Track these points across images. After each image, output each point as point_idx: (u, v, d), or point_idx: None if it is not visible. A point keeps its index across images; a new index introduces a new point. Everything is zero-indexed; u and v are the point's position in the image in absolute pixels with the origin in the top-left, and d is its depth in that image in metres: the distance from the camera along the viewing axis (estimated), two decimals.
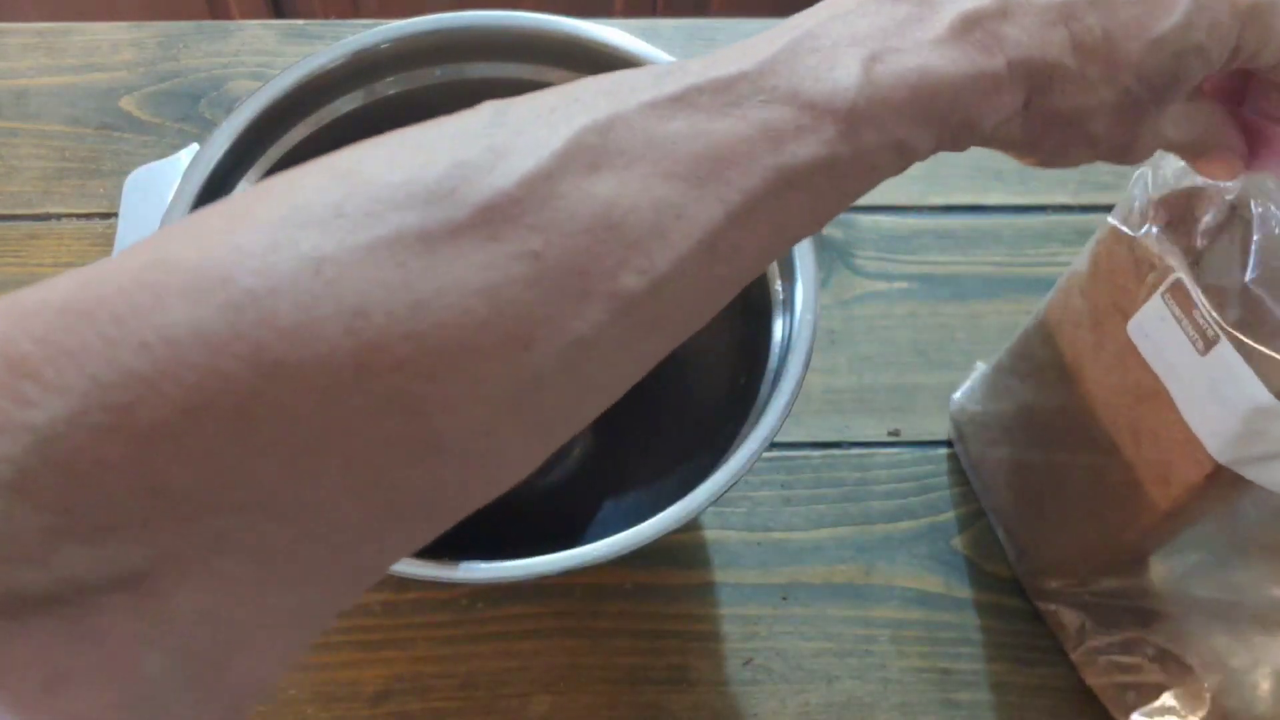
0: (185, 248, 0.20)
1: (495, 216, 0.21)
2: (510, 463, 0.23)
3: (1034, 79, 0.28)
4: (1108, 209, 0.43)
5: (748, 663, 0.51)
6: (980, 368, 0.56)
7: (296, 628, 0.22)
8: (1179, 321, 0.38)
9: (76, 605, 0.18)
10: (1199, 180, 0.39)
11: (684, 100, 0.24)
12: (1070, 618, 0.50)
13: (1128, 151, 0.31)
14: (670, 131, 0.24)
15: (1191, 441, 0.39)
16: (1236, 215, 0.39)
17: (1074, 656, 0.50)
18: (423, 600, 0.51)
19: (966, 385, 0.56)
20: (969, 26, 0.27)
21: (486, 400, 0.21)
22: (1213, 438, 0.39)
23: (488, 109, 0.24)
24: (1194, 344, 0.38)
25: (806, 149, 0.25)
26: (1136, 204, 0.41)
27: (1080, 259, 0.45)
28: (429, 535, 0.23)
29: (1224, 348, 0.37)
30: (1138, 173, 0.41)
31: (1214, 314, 0.37)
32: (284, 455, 0.19)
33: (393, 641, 0.50)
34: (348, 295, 0.20)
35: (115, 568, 0.18)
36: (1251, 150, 0.34)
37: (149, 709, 0.19)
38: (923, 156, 0.27)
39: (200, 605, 0.19)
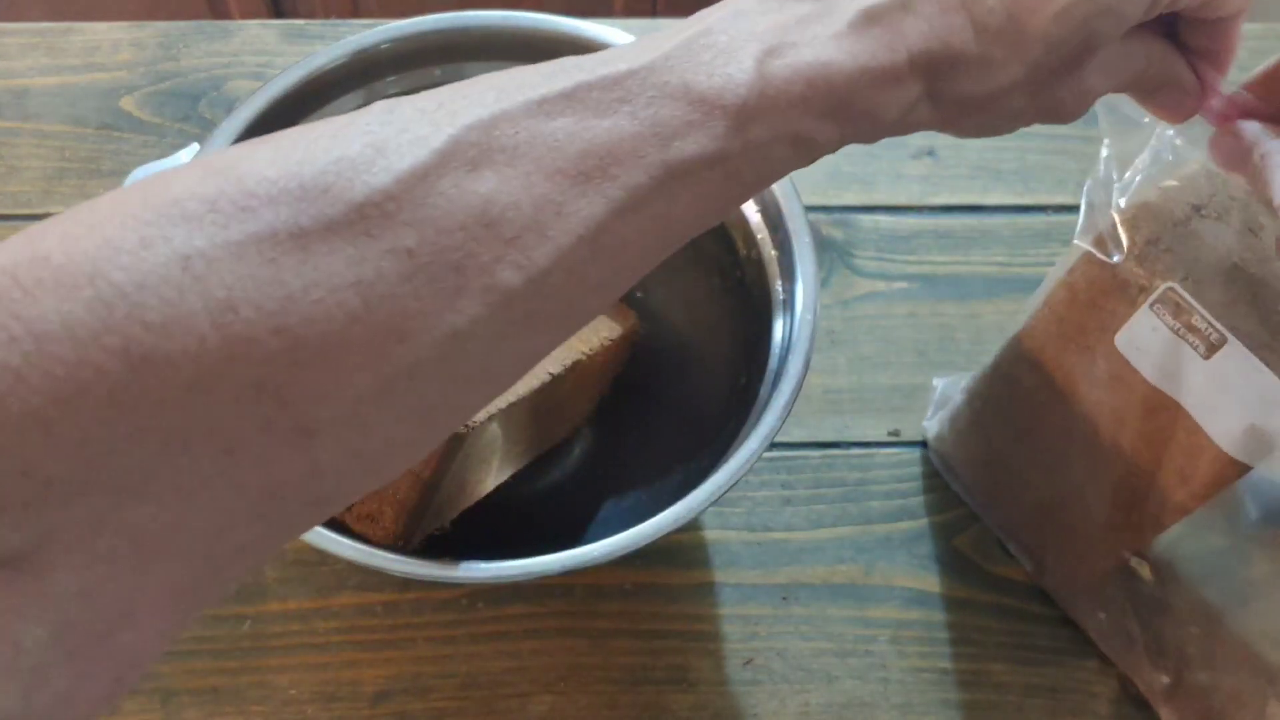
0: (57, 243, 0.21)
1: (371, 213, 0.22)
2: (391, 450, 0.24)
3: (937, 68, 0.28)
4: None
5: (748, 663, 0.51)
6: (939, 386, 0.56)
7: (179, 604, 0.22)
8: (1174, 330, 0.38)
9: None
10: (1158, 183, 0.39)
11: (573, 97, 0.24)
12: (1104, 619, 0.50)
13: (1057, 114, 0.31)
14: (555, 128, 0.24)
15: (1211, 446, 0.39)
16: (1199, 214, 0.39)
17: (1113, 657, 0.50)
18: (423, 600, 0.51)
19: (934, 413, 0.56)
20: (870, 21, 0.27)
21: (359, 390, 0.22)
22: (1227, 437, 0.39)
23: (378, 106, 0.24)
24: (1195, 349, 0.38)
25: (694, 145, 0.25)
26: (1103, 226, 0.41)
27: (1050, 286, 0.45)
28: (315, 518, 0.24)
29: (1233, 349, 0.37)
30: (1087, 187, 0.41)
31: (1215, 320, 0.37)
32: (155, 442, 0.20)
33: (393, 641, 0.50)
34: (216, 290, 0.21)
35: None
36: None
37: (30, 679, 0.20)
38: (831, 149, 0.27)
39: (80, 583, 0.20)
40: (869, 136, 0.28)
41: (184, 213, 0.21)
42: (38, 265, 0.20)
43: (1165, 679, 0.48)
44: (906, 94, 0.27)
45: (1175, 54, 0.33)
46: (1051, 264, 0.61)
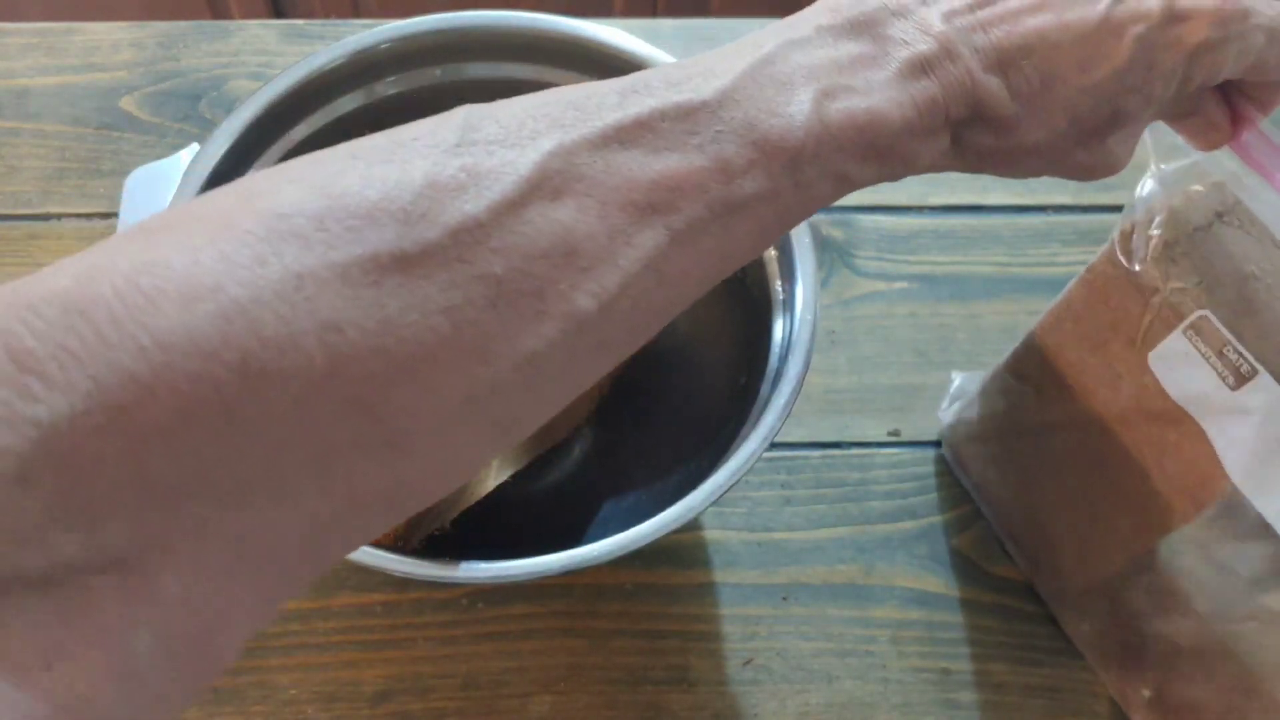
0: (175, 252, 0.21)
1: (464, 240, 0.23)
2: (463, 462, 0.25)
3: (968, 124, 0.29)
4: (1109, 209, 0.43)
5: (748, 663, 0.51)
6: (957, 379, 0.56)
7: (265, 605, 0.23)
8: (1205, 357, 0.39)
9: (70, 586, 0.19)
10: (1184, 187, 0.39)
11: (646, 125, 0.25)
12: (1088, 631, 0.50)
13: (1077, 175, 0.32)
14: (629, 159, 0.25)
15: (1218, 458, 0.39)
16: (1221, 221, 0.39)
17: (1096, 667, 0.50)
18: (423, 600, 0.51)
19: (949, 405, 0.56)
20: (918, 71, 0.28)
21: (443, 408, 0.23)
22: (1237, 465, 0.39)
23: (459, 118, 0.25)
24: (1223, 379, 0.38)
25: (753, 184, 0.26)
26: (1135, 227, 0.41)
27: (1073, 284, 0.45)
28: (387, 525, 0.25)
29: (1263, 381, 0.37)
30: (1142, 182, 0.41)
31: (1248, 352, 0.37)
32: (260, 453, 0.21)
33: (393, 641, 0.50)
34: (324, 310, 0.21)
35: (106, 552, 0.20)
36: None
37: (136, 682, 0.21)
38: (866, 186, 0.29)
39: (182, 587, 0.21)
40: (899, 177, 0.29)
41: (293, 230, 0.22)
42: (158, 274, 0.20)
43: (1146, 692, 0.48)
44: (939, 144, 0.29)
45: (1207, 90, 0.33)
46: (1051, 264, 0.62)
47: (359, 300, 0.22)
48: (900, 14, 0.29)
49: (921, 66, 0.28)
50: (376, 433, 0.22)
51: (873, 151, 0.27)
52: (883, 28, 0.28)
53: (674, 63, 0.28)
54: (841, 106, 0.27)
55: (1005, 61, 0.28)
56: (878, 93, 0.27)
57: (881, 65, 0.28)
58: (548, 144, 0.24)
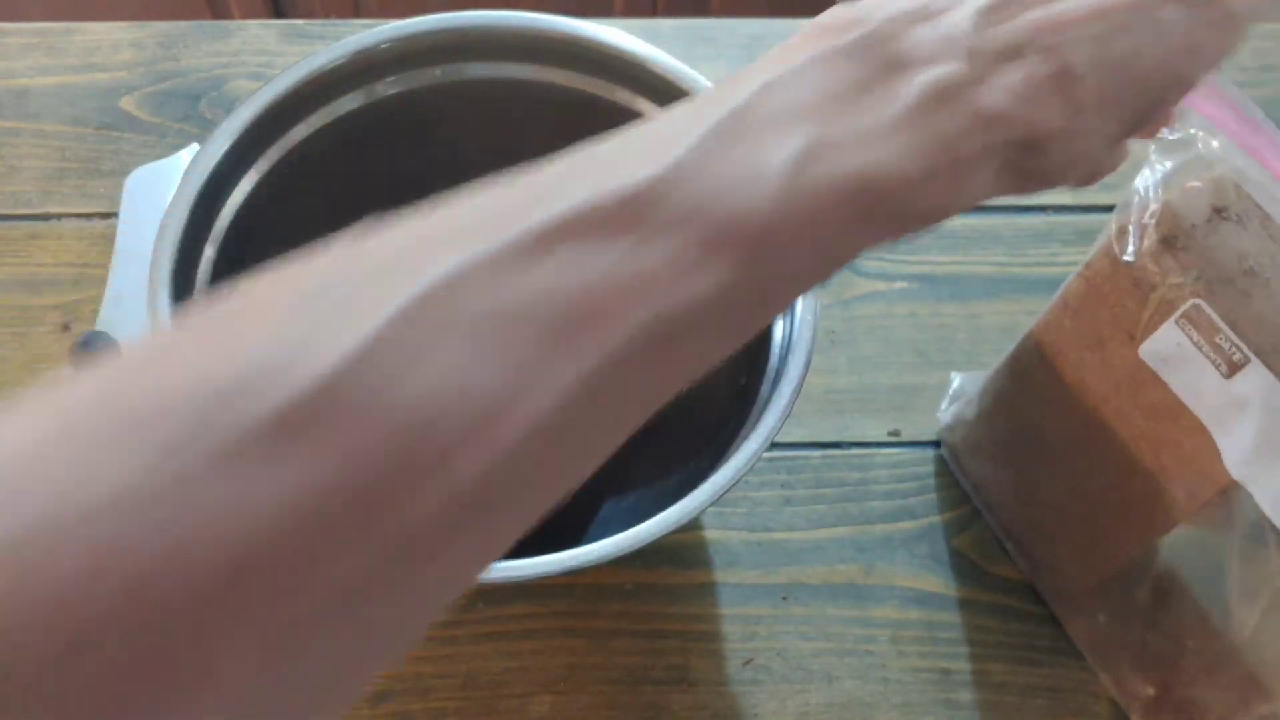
0: None
1: (293, 420, 0.18)
2: (325, 690, 0.20)
3: (1017, 149, 0.24)
4: (1108, 209, 0.43)
5: (748, 663, 0.51)
6: (956, 380, 0.56)
7: None
8: (1198, 346, 0.39)
9: None
10: (1182, 183, 0.39)
11: (571, 226, 0.20)
12: (1104, 623, 0.50)
13: (1092, 180, 0.28)
14: (529, 284, 0.20)
15: (1216, 453, 0.39)
16: (1220, 216, 0.39)
17: (1098, 665, 0.50)
18: None
19: (949, 405, 0.56)
20: (937, 103, 0.22)
21: (284, 623, 0.18)
22: (1234, 455, 0.39)
23: (338, 247, 0.20)
24: (1217, 367, 0.38)
25: (696, 287, 0.21)
26: (1132, 223, 0.41)
27: (1071, 280, 0.45)
28: None
29: (1254, 370, 0.37)
30: (1137, 180, 0.41)
31: (1240, 340, 0.37)
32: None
33: None
34: (84, 548, 0.16)
35: None
36: None
37: None
38: (869, 251, 0.24)
39: None
40: (911, 236, 0.24)
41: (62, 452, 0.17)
42: None
43: (1147, 691, 0.48)
44: (972, 183, 0.23)
45: None
46: (1051, 264, 0.62)
47: (139, 523, 0.16)
48: (920, 18, 0.23)
49: (945, 94, 0.22)
50: (179, 678, 0.17)
51: (874, 217, 0.22)
52: (894, 42, 0.23)
53: (647, 122, 0.23)
54: (827, 169, 0.21)
55: (1066, 77, 0.24)
56: (878, 142, 0.22)
57: (887, 101, 0.22)
58: (419, 286, 0.19)
